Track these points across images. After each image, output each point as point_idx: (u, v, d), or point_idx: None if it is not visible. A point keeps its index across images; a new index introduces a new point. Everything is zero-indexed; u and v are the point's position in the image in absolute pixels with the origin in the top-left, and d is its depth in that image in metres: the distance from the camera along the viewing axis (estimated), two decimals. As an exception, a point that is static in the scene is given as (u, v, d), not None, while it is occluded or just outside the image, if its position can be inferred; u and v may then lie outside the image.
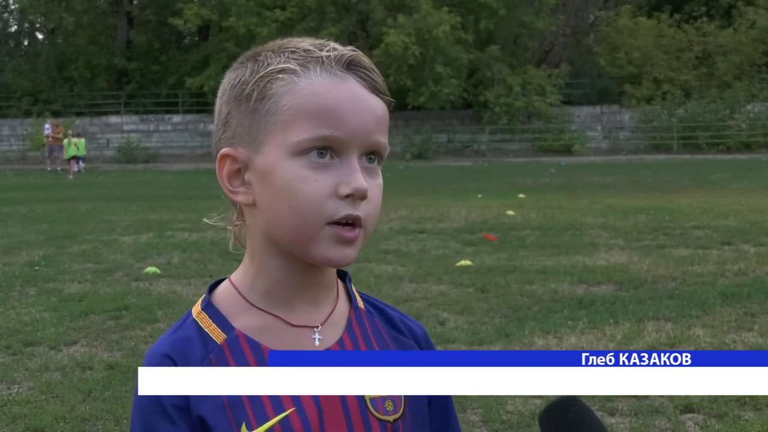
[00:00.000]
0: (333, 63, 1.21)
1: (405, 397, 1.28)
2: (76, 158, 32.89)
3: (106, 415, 5.02)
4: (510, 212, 14.72)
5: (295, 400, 1.20)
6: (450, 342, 6.46)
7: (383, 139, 1.23)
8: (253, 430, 1.19)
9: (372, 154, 1.22)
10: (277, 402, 1.20)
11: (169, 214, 15.75)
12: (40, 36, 51.59)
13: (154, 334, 6.86)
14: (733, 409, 4.91)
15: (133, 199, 19.12)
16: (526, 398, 5.14)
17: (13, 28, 52.93)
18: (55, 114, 41.11)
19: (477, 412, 4.98)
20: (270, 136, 1.20)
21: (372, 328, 1.32)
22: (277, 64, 1.21)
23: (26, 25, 52.36)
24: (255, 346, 1.23)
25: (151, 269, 9.59)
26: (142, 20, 46.54)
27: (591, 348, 6.24)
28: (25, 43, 51.97)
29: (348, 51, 1.23)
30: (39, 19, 49.90)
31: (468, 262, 9.77)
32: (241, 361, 1.22)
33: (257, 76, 1.21)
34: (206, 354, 1.22)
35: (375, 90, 1.23)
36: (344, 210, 1.18)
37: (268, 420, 1.19)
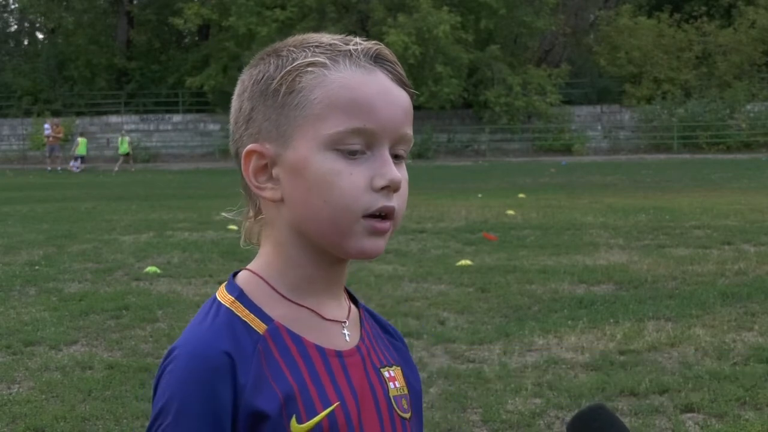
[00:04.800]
0: (361, 56, 1.21)
1: (410, 398, 1.31)
2: (78, 157, 33.99)
3: (106, 415, 5.02)
4: (510, 212, 14.72)
5: (338, 394, 1.20)
6: (450, 342, 6.46)
7: (410, 131, 1.24)
8: (303, 422, 1.18)
9: (400, 146, 1.23)
10: (323, 396, 1.19)
11: (169, 213, 15.75)
12: (40, 36, 51.64)
13: (154, 334, 6.87)
14: (733, 408, 4.90)
15: (133, 199, 19.12)
16: (526, 398, 5.15)
17: (13, 28, 52.93)
18: (56, 113, 41.14)
19: (477, 411, 4.98)
20: (301, 129, 1.20)
21: (374, 329, 1.35)
22: (305, 58, 1.21)
23: (26, 24, 52.38)
24: (297, 338, 1.22)
25: (151, 269, 9.58)
26: (142, 20, 46.55)
27: (591, 347, 6.24)
28: (25, 42, 51.97)
29: (373, 45, 1.24)
30: (39, 19, 49.94)
31: (468, 262, 9.76)
32: (285, 353, 1.20)
33: (285, 70, 1.21)
34: (254, 344, 1.19)
35: (401, 82, 1.24)
36: (379, 202, 1.19)
37: (316, 413, 1.18)
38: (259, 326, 1.21)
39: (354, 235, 1.20)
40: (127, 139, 35.69)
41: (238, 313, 1.22)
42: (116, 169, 33.91)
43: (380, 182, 1.19)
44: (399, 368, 1.32)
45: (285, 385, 1.18)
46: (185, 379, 1.16)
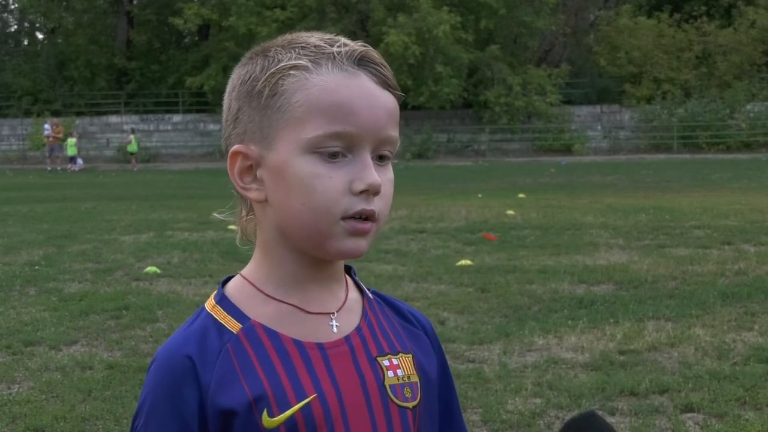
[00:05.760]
0: (344, 59, 1.21)
1: (420, 385, 1.29)
2: (71, 157, 34.55)
3: (106, 415, 5.02)
4: (510, 212, 14.72)
5: (316, 386, 1.20)
6: (450, 342, 6.46)
7: (394, 133, 1.24)
8: (275, 416, 1.18)
9: (383, 148, 1.23)
10: (299, 389, 1.20)
11: (169, 213, 15.75)
12: (40, 36, 51.64)
13: (154, 334, 6.87)
14: (733, 408, 4.90)
15: (133, 199, 19.12)
16: (526, 398, 5.15)
17: (13, 28, 52.95)
18: (56, 113, 41.15)
19: (477, 411, 4.98)
20: (282, 132, 1.20)
21: (384, 317, 1.33)
22: (288, 60, 1.21)
23: (26, 24, 52.38)
24: (273, 334, 1.23)
25: (151, 269, 9.58)
26: (142, 20, 46.56)
27: (591, 347, 6.24)
28: (25, 42, 51.97)
29: (359, 47, 1.23)
30: (39, 19, 49.92)
31: (468, 262, 9.76)
32: (260, 350, 1.22)
33: (268, 73, 1.21)
34: (222, 345, 1.22)
35: (385, 85, 1.24)
36: (358, 205, 1.19)
37: (289, 407, 1.19)
38: (234, 326, 1.24)
39: (334, 237, 1.20)
40: (136, 137, 36.97)
41: (216, 316, 1.25)
42: (135, 168, 34.97)
43: (359, 186, 1.19)
44: (409, 355, 1.31)
45: (255, 382, 1.19)
46: (154, 383, 1.22)
